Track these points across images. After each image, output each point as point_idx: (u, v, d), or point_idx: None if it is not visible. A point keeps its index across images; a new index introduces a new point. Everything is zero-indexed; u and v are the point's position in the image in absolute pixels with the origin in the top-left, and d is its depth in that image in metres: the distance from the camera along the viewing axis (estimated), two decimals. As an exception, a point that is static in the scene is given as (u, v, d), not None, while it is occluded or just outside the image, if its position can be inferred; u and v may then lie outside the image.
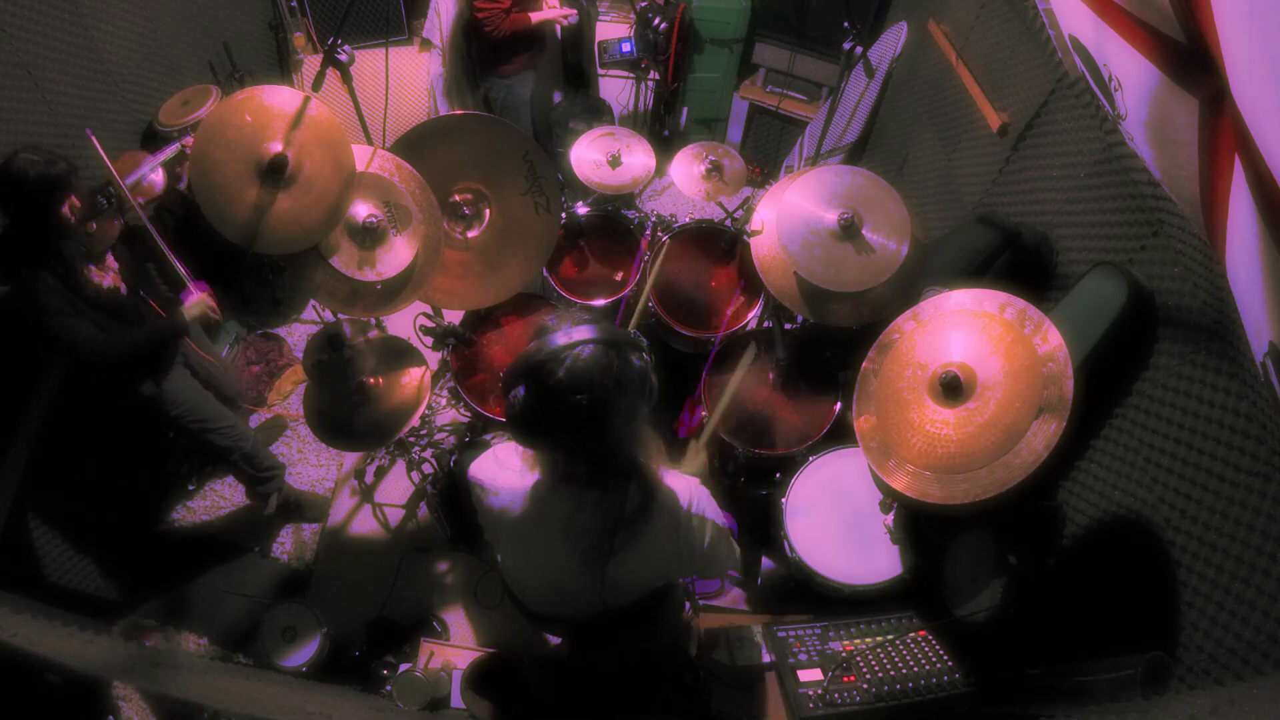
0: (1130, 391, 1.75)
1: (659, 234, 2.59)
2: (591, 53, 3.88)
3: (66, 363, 2.22)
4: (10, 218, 1.95)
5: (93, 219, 2.04)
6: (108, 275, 2.15)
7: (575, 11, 3.44)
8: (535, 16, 3.31)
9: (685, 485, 1.33)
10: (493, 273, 2.23)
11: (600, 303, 2.48)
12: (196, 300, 2.26)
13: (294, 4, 3.70)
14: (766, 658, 1.91)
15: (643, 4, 3.62)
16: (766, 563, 2.34)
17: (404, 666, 2.14)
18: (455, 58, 3.74)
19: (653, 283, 2.49)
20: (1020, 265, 2.14)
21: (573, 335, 1.15)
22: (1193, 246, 1.56)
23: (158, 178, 2.54)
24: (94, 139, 2.14)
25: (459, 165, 2.13)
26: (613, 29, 3.80)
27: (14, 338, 2.06)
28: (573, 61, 3.98)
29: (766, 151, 4.14)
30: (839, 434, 2.25)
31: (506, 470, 1.33)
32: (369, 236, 2.01)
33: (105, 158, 2.12)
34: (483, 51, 3.44)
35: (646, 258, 2.51)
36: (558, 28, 3.53)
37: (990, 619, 1.82)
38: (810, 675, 1.79)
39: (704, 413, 1.85)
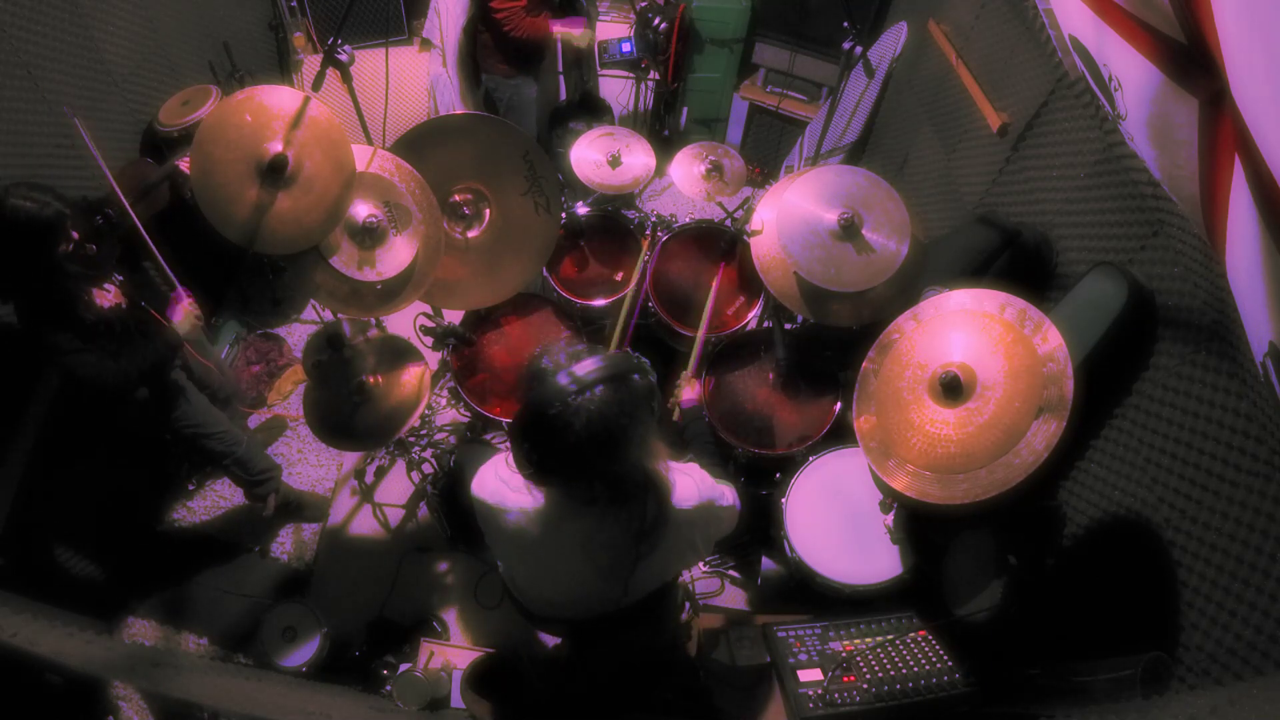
0: (1130, 391, 1.76)
1: (658, 234, 2.59)
2: (592, 56, 3.88)
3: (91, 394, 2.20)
4: (2, 259, 1.92)
5: (92, 241, 2.03)
6: (109, 294, 2.13)
7: (588, 28, 3.45)
8: (555, 27, 3.32)
9: (691, 480, 1.33)
10: (493, 273, 2.23)
11: (600, 303, 2.48)
12: (185, 316, 2.24)
13: (294, 4, 3.69)
14: (766, 658, 1.91)
15: (643, 4, 3.61)
16: (766, 563, 2.34)
17: (404, 666, 2.14)
18: (458, 58, 3.74)
19: (650, 283, 2.49)
20: (1020, 265, 2.14)
21: (577, 376, 1.11)
22: (1193, 246, 1.56)
23: (162, 191, 2.55)
24: (79, 124, 2.09)
25: (459, 165, 2.12)
26: (613, 29, 3.80)
27: (13, 342, 2.06)
28: (573, 73, 3.98)
29: (766, 151, 4.14)
30: (839, 434, 2.25)
31: (514, 489, 1.30)
32: (369, 236, 2.01)
33: (108, 173, 2.09)
34: (488, 52, 3.44)
35: (646, 258, 2.50)
36: (558, 41, 3.53)
37: (990, 619, 1.82)
38: (810, 675, 1.79)
39: (699, 388, 1.92)
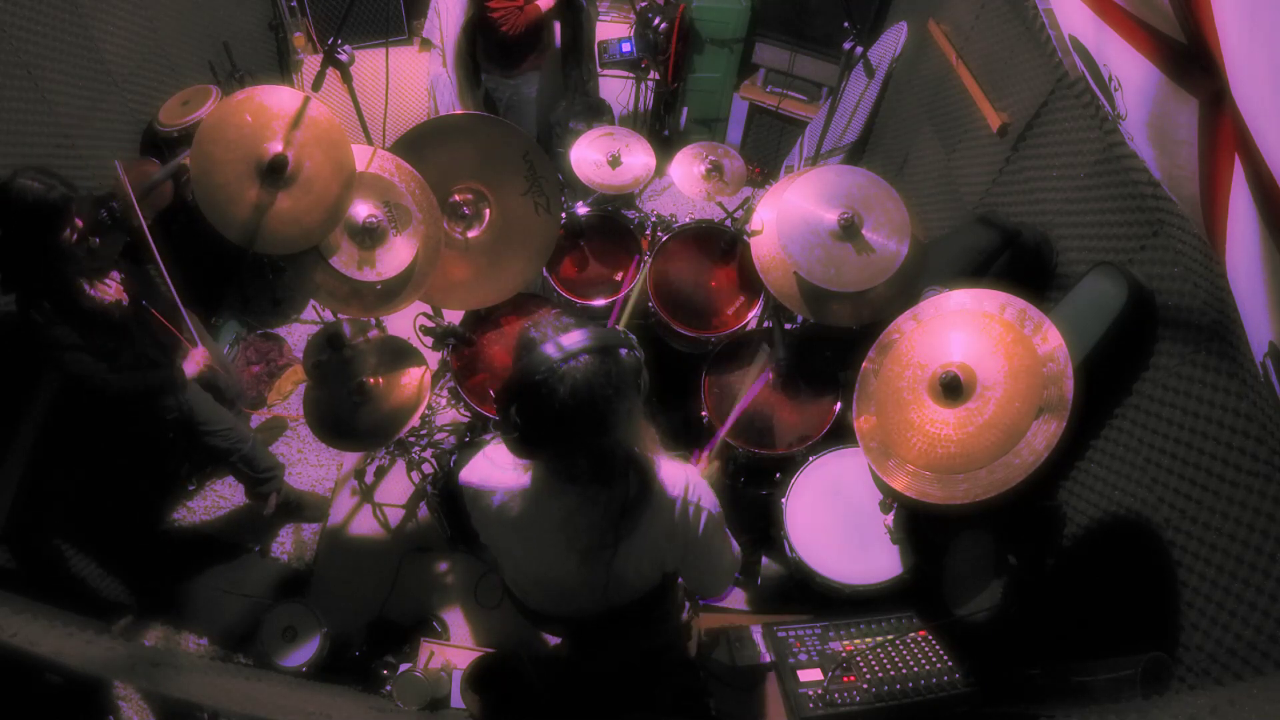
0: (1130, 391, 1.76)
1: (658, 234, 2.59)
2: (591, 53, 3.88)
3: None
4: (6, 239, 1.93)
5: (96, 234, 2.03)
6: (110, 290, 2.13)
7: None
8: (544, 3, 3.30)
9: (681, 472, 1.33)
10: (493, 273, 2.23)
11: (600, 303, 2.48)
12: (197, 370, 2.27)
13: (294, 4, 3.70)
14: (766, 658, 1.91)
15: (643, 4, 3.62)
16: (766, 563, 2.34)
17: (404, 666, 2.14)
18: (457, 58, 3.75)
19: (650, 283, 2.49)
20: (1020, 265, 2.14)
21: (564, 346, 1.12)
22: (1193, 246, 1.56)
23: (165, 189, 2.54)
24: (121, 170, 2.11)
25: (459, 165, 2.12)
26: (613, 29, 3.80)
27: (14, 341, 2.05)
28: (572, 73, 3.98)
29: (766, 151, 4.15)
30: (839, 434, 2.25)
31: (500, 468, 1.31)
32: (369, 236, 2.01)
33: (128, 185, 2.08)
34: (490, 52, 3.44)
35: (646, 259, 2.49)
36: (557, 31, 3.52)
37: (990, 619, 1.82)
38: (810, 675, 1.79)
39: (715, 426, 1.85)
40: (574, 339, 1.13)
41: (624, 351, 1.17)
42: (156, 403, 2.30)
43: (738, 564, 1.50)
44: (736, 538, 1.52)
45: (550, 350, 1.12)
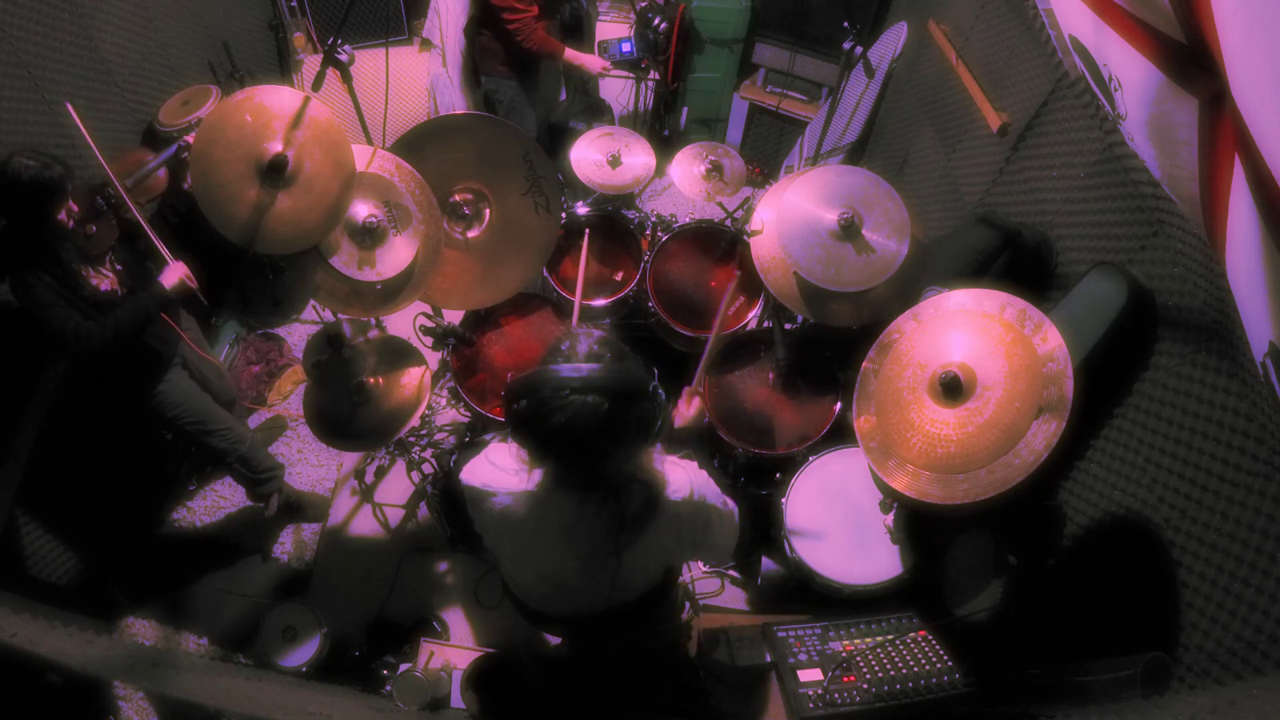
0: (1130, 391, 1.76)
1: (658, 234, 2.59)
2: (591, 53, 3.88)
3: (67, 361, 2.20)
4: (5, 220, 1.94)
5: (92, 221, 2.03)
6: (106, 279, 2.14)
7: (608, 64, 3.47)
8: (570, 54, 3.32)
9: (685, 474, 1.33)
10: (493, 273, 2.23)
11: (601, 302, 2.48)
12: (178, 280, 2.19)
13: (294, 4, 3.70)
14: (766, 658, 1.91)
15: (643, 4, 3.62)
16: (767, 563, 2.34)
17: (404, 666, 2.14)
18: (457, 58, 3.75)
19: (650, 283, 2.49)
20: (1020, 265, 2.15)
21: (581, 375, 1.10)
22: (1193, 246, 1.56)
23: (160, 175, 2.53)
24: (71, 110, 2.04)
25: (459, 165, 2.12)
26: (613, 29, 3.81)
27: (14, 338, 2.06)
28: (574, 84, 3.99)
29: (766, 151, 4.15)
30: (839, 434, 2.25)
31: (503, 471, 1.32)
32: (369, 236, 2.01)
33: (103, 161, 2.09)
34: (488, 53, 3.43)
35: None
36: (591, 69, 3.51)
37: (990, 619, 1.82)
38: (810, 675, 1.79)
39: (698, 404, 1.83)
40: (594, 373, 1.10)
41: (641, 403, 1.14)
42: (161, 364, 2.27)
43: (737, 530, 1.48)
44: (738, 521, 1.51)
45: (568, 373, 1.10)
